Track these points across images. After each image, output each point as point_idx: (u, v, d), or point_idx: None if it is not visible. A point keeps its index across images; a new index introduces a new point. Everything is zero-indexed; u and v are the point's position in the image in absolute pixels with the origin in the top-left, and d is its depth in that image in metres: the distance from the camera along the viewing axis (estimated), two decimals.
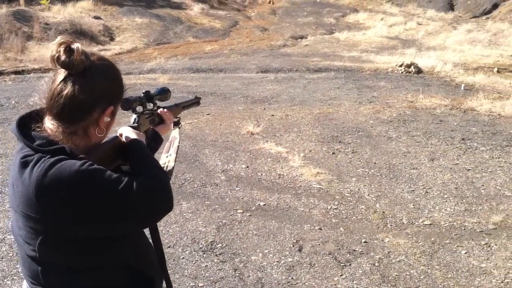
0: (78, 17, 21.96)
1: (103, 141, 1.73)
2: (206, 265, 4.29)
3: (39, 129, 1.57)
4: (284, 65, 15.24)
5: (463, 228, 5.01)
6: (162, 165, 2.03)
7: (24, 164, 1.48)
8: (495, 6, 29.21)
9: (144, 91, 2.09)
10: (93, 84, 1.57)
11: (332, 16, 29.14)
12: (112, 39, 21.16)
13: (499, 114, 9.40)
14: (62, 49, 1.51)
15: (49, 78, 1.62)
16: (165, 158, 2.21)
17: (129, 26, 23.10)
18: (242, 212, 5.26)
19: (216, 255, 4.44)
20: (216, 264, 4.30)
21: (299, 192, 5.83)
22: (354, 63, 15.58)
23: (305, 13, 30.18)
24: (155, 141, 2.07)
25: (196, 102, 2.66)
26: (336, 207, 5.45)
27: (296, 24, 26.62)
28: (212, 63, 15.70)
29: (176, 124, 2.38)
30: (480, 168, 6.61)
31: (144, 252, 1.83)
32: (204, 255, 4.43)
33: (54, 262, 1.57)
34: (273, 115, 9.16)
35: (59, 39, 1.55)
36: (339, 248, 4.61)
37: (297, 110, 9.64)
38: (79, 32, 19.79)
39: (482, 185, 6.04)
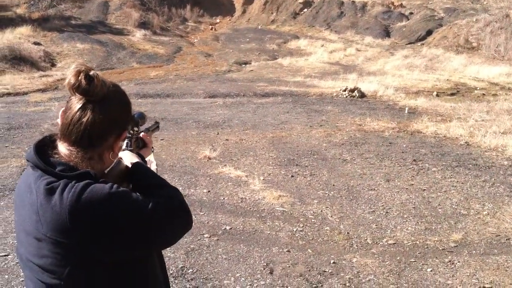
0: (17, 43, 21.48)
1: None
2: None
3: (57, 156, 1.56)
4: (231, 90, 15.33)
5: (425, 247, 5.15)
6: None
7: (50, 190, 1.45)
8: (429, 33, 30.47)
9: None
10: (111, 110, 1.58)
11: (274, 43, 29.64)
12: (53, 65, 20.77)
13: (444, 136, 9.76)
14: (82, 76, 1.50)
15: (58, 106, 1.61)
16: None
17: (70, 51, 22.76)
18: (209, 237, 5.23)
19: (188, 281, 4.39)
20: None
21: (263, 215, 5.86)
22: (300, 88, 15.85)
23: (248, 39, 30.57)
24: None
25: (157, 127, 2.70)
26: (301, 229, 5.50)
27: (240, 50, 26.91)
28: (159, 88, 15.62)
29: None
30: (435, 188, 6.83)
31: (156, 273, 1.82)
32: (176, 281, 4.36)
33: None
34: (227, 140, 9.19)
35: (75, 66, 1.54)
36: (309, 270, 4.64)
37: (250, 134, 9.70)
38: (19, 58, 19.36)
39: (439, 205, 6.24)
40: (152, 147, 2.41)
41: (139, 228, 1.50)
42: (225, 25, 37.04)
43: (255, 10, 39.30)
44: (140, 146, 2.16)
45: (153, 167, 2.35)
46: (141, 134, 2.19)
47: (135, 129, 2.11)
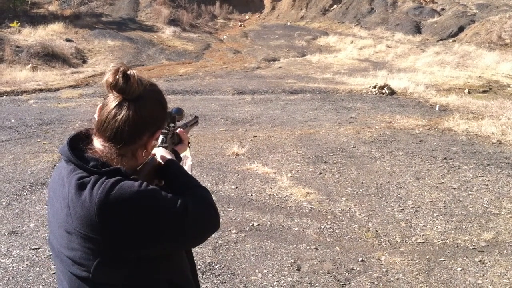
0: (49, 39, 21.83)
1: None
2: (206, 286, 4.25)
3: (90, 151, 1.58)
4: (260, 87, 15.34)
5: (456, 246, 5.08)
6: None
7: (81, 185, 1.48)
8: (461, 29, 30.01)
9: None
10: (146, 109, 1.60)
11: (303, 39, 29.53)
12: (84, 61, 21.05)
13: (476, 134, 9.61)
14: (120, 75, 1.54)
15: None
16: None
17: (101, 48, 23.02)
18: (237, 233, 5.24)
19: (216, 276, 4.40)
20: (216, 285, 4.27)
21: (291, 212, 5.85)
22: (329, 85, 15.78)
23: (277, 36, 30.51)
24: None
25: (196, 121, 2.69)
26: (329, 226, 5.47)
27: (268, 47, 26.89)
28: (188, 85, 15.71)
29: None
30: (466, 186, 6.73)
31: (183, 267, 1.83)
32: (204, 276, 4.38)
33: (108, 282, 1.55)
34: (255, 136, 9.20)
35: (114, 65, 1.58)
36: (337, 267, 4.62)
37: (278, 131, 9.70)
38: (51, 55, 19.66)
39: (470, 203, 6.15)
40: (189, 143, 2.41)
41: (166, 226, 1.51)
42: (254, 21, 37.01)
43: (284, 6, 39.17)
44: (175, 142, 2.16)
45: (188, 162, 2.36)
46: (178, 130, 2.19)
47: (172, 125, 2.11)
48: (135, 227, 1.46)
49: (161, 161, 1.83)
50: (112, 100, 1.58)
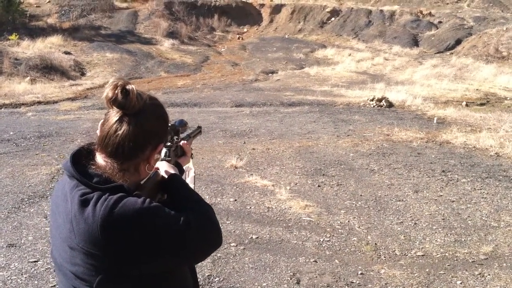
0: (48, 52, 21.87)
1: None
2: None
3: (93, 166, 1.58)
4: (258, 99, 15.37)
5: (455, 259, 5.07)
6: None
7: (84, 202, 1.48)
8: (458, 42, 30.13)
9: (169, 124, 2.08)
10: (147, 123, 1.61)
11: (301, 52, 29.64)
12: (83, 74, 21.07)
13: (474, 147, 9.63)
14: (119, 90, 1.55)
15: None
16: None
17: (100, 61, 23.07)
18: (236, 246, 5.23)
19: None
20: None
21: (290, 224, 5.84)
22: (327, 97, 15.82)
23: (275, 48, 30.60)
24: (180, 173, 2.09)
25: (199, 132, 2.68)
26: (328, 239, 5.47)
27: (267, 59, 26.96)
28: (186, 97, 15.72)
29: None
30: (464, 199, 6.74)
31: (186, 283, 1.83)
32: None
33: None
34: (254, 149, 9.21)
35: (113, 80, 1.59)
36: (337, 280, 4.61)
37: (277, 143, 9.71)
38: (50, 67, 19.69)
39: (468, 216, 6.15)
40: (192, 154, 2.40)
41: (168, 243, 1.51)
42: (252, 34, 37.10)
43: (282, 19, 39.31)
44: (178, 155, 2.13)
45: (191, 174, 2.35)
46: (181, 143, 2.16)
47: (175, 137, 2.10)
48: (137, 244, 1.46)
49: (165, 175, 1.83)
50: (113, 116, 1.58)
